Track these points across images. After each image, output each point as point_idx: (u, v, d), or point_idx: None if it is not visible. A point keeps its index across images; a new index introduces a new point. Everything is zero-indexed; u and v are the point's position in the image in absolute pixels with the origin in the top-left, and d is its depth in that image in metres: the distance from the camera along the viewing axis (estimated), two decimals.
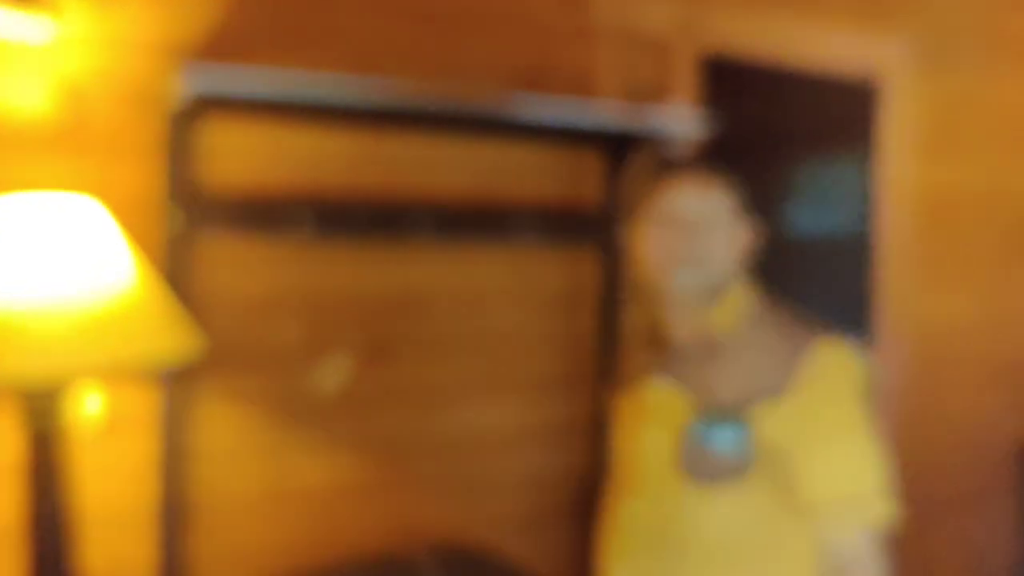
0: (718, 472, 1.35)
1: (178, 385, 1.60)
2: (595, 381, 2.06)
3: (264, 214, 1.69)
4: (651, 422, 1.44)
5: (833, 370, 1.36)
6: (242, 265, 1.70)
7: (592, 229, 2.08)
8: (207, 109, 1.61)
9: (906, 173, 2.68)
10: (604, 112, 1.96)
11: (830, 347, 1.37)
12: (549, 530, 1.98)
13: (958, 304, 2.80)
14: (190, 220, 1.61)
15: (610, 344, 2.07)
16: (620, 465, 1.50)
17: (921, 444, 2.69)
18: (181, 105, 1.56)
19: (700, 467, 1.37)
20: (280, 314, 1.73)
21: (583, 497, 1.99)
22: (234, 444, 1.70)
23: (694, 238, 1.38)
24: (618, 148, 2.08)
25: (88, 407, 1.55)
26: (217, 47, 1.63)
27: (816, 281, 2.60)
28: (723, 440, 1.36)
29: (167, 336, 1.35)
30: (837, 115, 2.61)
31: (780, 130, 2.45)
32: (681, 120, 2.01)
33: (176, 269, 1.59)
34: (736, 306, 1.43)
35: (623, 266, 2.08)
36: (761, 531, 1.34)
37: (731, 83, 2.32)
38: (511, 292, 1.99)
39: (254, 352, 1.71)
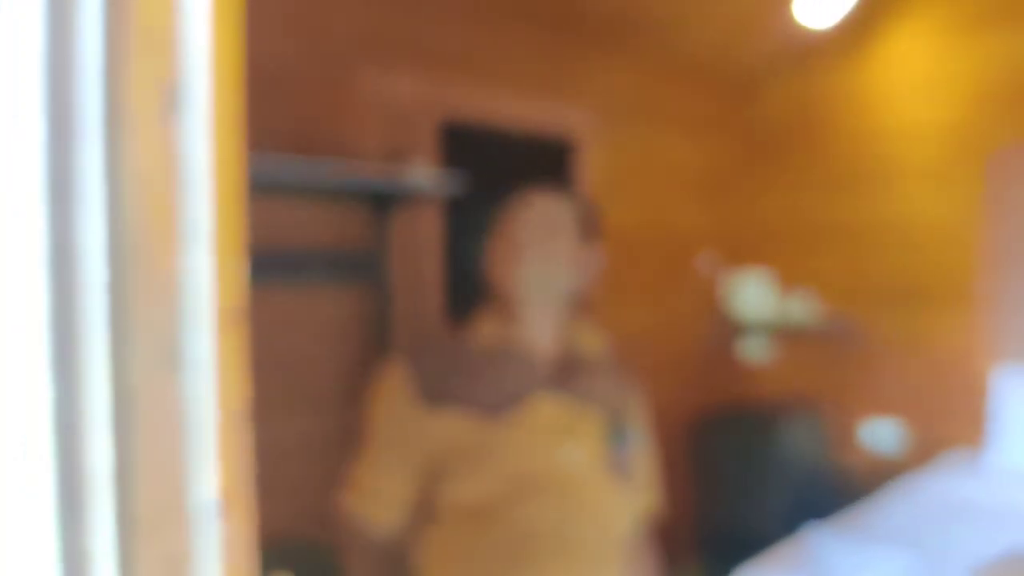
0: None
1: None
2: (364, 393, 2.50)
3: None
4: (552, 433, 1.42)
5: (643, 396, 1.64)
6: None
7: (364, 269, 2.54)
8: None
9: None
10: (365, 172, 2.43)
11: (639, 380, 1.63)
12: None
13: (637, 312, 3.60)
14: None
15: (380, 362, 2.53)
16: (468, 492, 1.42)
17: None
18: None
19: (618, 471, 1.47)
20: None
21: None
22: None
23: (541, 243, 1.46)
24: (380, 202, 2.56)
25: None
26: None
27: None
28: (628, 446, 1.51)
29: None
30: (547, 168, 3.29)
31: (505, 181, 3.05)
32: (428, 179, 2.53)
33: None
34: (596, 331, 1.60)
35: (390, 300, 2.56)
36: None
37: (467, 145, 2.89)
38: (301, 323, 2.40)
39: None
